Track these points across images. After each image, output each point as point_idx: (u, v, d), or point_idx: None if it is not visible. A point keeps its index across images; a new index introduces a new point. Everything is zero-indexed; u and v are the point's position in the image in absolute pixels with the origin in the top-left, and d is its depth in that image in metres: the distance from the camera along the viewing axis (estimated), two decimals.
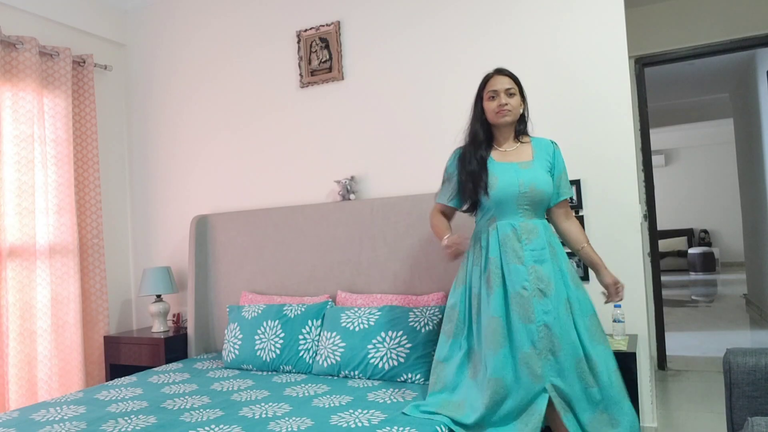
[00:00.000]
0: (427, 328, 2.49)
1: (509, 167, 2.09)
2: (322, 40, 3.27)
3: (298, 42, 3.33)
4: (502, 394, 1.90)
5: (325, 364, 2.60)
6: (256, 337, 2.82)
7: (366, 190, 3.18)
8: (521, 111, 2.15)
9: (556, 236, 2.13)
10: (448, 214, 2.27)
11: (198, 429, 1.92)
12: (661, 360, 4.05)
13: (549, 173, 2.11)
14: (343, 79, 3.24)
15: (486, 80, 2.15)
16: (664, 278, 8.91)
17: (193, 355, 3.28)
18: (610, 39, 2.69)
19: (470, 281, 2.11)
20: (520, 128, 2.17)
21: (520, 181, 2.05)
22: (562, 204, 2.18)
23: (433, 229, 2.26)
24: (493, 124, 2.13)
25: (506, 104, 2.07)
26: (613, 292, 2.12)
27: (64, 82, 3.36)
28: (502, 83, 2.09)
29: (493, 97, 2.09)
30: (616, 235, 2.67)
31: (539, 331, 1.93)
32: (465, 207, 2.18)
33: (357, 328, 2.59)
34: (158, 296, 3.47)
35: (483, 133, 2.14)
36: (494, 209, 2.08)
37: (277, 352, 2.75)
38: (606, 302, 2.16)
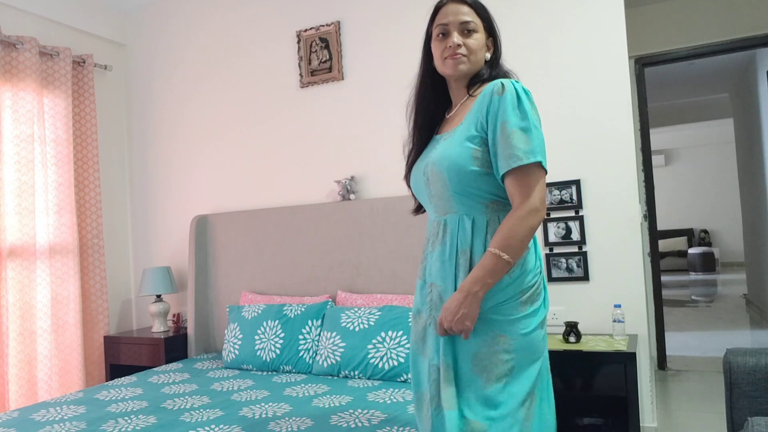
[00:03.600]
0: None
1: (433, 142, 1.51)
2: (322, 40, 3.27)
3: (298, 42, 3.33)
4: None
5: (325, 364, 2.60)
6: (256, 337, 2.82)
7: (366, 190, 3.18)
8: (488, 55, 1.48)
9: (485, 240, 1.37)
10: None
11: (198, 429, 1.92)
12: (661, 360, 4.05)
13: (479, 138, 1.36)
14: (343, 79, 3.24)
15: (436, 11, 1.48)
16: (664, 278, 8.91)
17: (193, 355, 3.28)
18: (610, 39, 2.69)
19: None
20: (483, 74, 1.46)
21: (426, 163, 1.46)
22: (506, 181, 1.33)
23: None
24: (443, 75, 1.49)
25: (459, 45, 1.41)
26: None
27: (64, 82, 3.36)
28: (456, 13, 1.42)
29: (442, 34, 1.44)
30: (616, 235, 2.67)
31: (431, 372, 1.38)
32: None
33: (357, 328, 2.59)
34: (158, 296, 3.47)
35: (432, 93, 1.53)
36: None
37: (277, 352, 2.75)
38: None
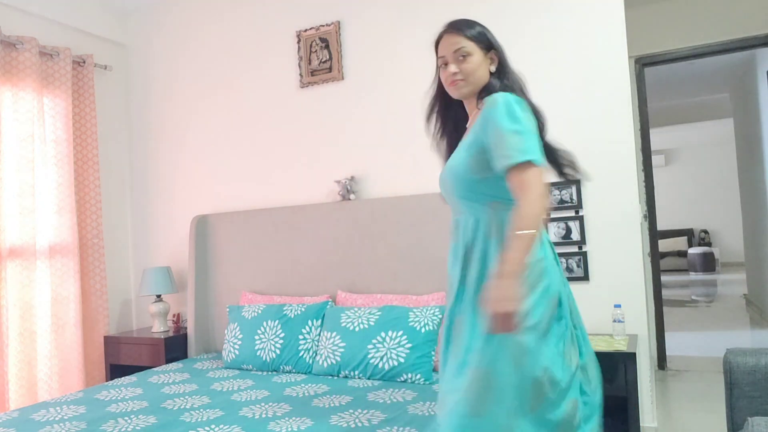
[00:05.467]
0: (427, 328, 2.49)
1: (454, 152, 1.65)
2: (322, 40, 3.27)
3: (298, 42, 3.33)
4: None
5: (325, 364, 2.60)
6: (256, 337, 2.82)
7: (366, 190, 3.18)
8: (493, 68, 1.60)
9: (489, 236, 1.49)
10: None
11: (198, 429, 1.92)
12: (661, 360, 4.05)
13: (475, 147, 1.50)
14: (343, 79, 3.24)
15: (437, 43, 1.65)
16: (664, 278, 8.88)
17: (193, 355, 3.28)
18: (610, 39, 2.69)
19: None
20: (491, 86, 1.58)
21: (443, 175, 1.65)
22: (507, 178, 1.41)
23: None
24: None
25: (456, 73, 1.56)
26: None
27: (64, 82, 3.36)
28: (449, 44, 1.58)
29: (444, 64, 1.60)
30: (616, 235, 2.67)
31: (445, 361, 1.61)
32: None
33: (357, 328, 2.59)
34: (158, 296, 3.47)
35: (443, 111, 1.72)
36: None
37: (277, 352, 2.75)
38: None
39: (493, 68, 1.60)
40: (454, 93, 1.60)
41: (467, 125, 1.66)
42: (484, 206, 1.51)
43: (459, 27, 1.60)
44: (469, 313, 1.47)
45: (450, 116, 1.72)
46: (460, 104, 1.68)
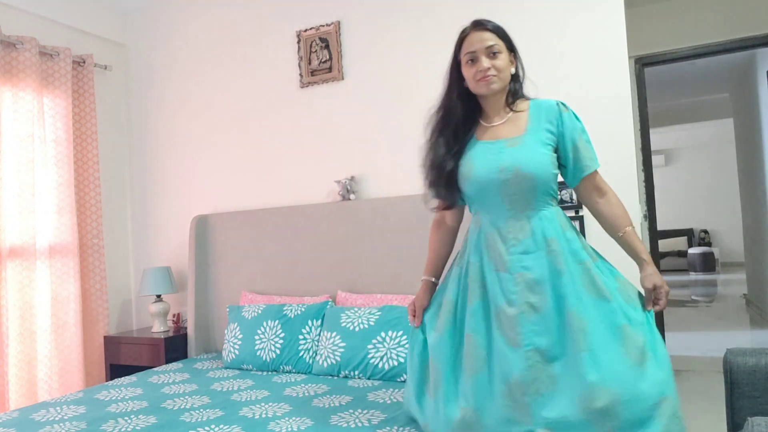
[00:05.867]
0: None
1: (491, 147, 1.65)
2: (322, 40, 3.28)
3: (298, 42, 3.33)
4: (474, 427, 1.55)
5: (325, 364, 2.60)
6: (256, 337, 2.82)
7: (366, 190, 3.18)
8: (513, 71, 1.69)
9: (565, 229, 1.62)
10: (449, 217, 1.85)
11: (198, 429, 1.92)
12: None
13: (550, 146, 1.63)
14: (343, 79, 3.24)
15: (461, 39, 1.69)
16: (664, 278, 8.87)
17: (193, 355, 3.28)
18: (610, 39, 2.69)
19: (447, 282, 1.77)
20: (515, 90, 1.71)
21: (501, 166, 1.60)
22: (588, 180, 1.67)
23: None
24: (477, 94, 1.70)
25: (489, 68, 1.62)
26: (650, 297, 1.66)
27: (64, 82, 3.36)
28: (480, 40, 1.63)
29: (471, 60, 1.65)
30: None
31: (528, 357, 1.51)
32: (437, 204, 1.79)
33: (357, 328, 2.59)
34: (158, 296, 3.47)
35: (462, 109, 1.71)
36: (476, 203, 1.69)
37: (277, 352, 2.75)
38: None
39: (512, 70, 1.69)
40: (483, 88, 1.65)
41: (487, 123, 1.71)
42: (552, 200, 1.65)
43: (487, 25, 1.66)
44: (590, 297, 1.54)
45: (469, 114, 1.74)
46: (475, 102, 1.73)
